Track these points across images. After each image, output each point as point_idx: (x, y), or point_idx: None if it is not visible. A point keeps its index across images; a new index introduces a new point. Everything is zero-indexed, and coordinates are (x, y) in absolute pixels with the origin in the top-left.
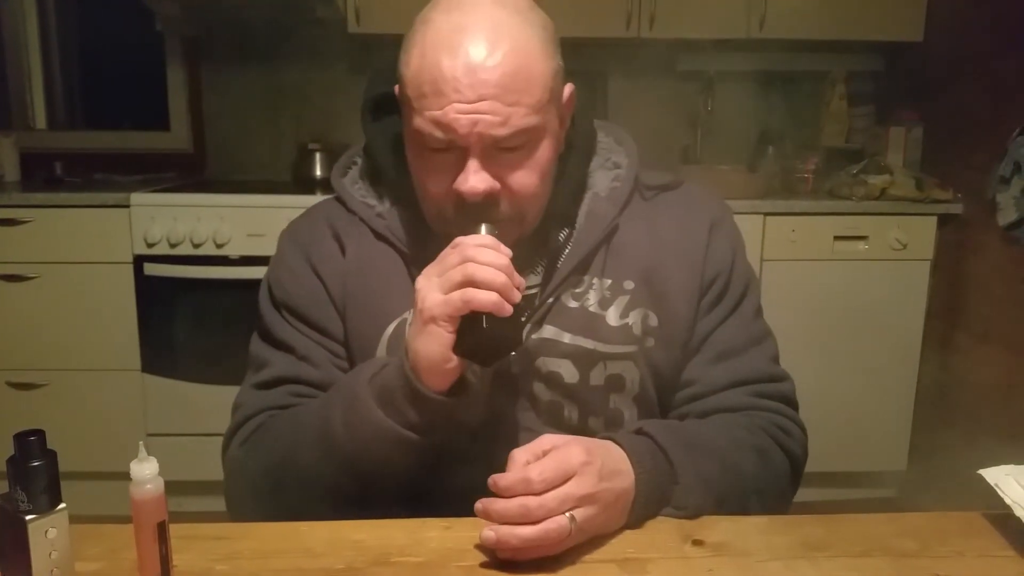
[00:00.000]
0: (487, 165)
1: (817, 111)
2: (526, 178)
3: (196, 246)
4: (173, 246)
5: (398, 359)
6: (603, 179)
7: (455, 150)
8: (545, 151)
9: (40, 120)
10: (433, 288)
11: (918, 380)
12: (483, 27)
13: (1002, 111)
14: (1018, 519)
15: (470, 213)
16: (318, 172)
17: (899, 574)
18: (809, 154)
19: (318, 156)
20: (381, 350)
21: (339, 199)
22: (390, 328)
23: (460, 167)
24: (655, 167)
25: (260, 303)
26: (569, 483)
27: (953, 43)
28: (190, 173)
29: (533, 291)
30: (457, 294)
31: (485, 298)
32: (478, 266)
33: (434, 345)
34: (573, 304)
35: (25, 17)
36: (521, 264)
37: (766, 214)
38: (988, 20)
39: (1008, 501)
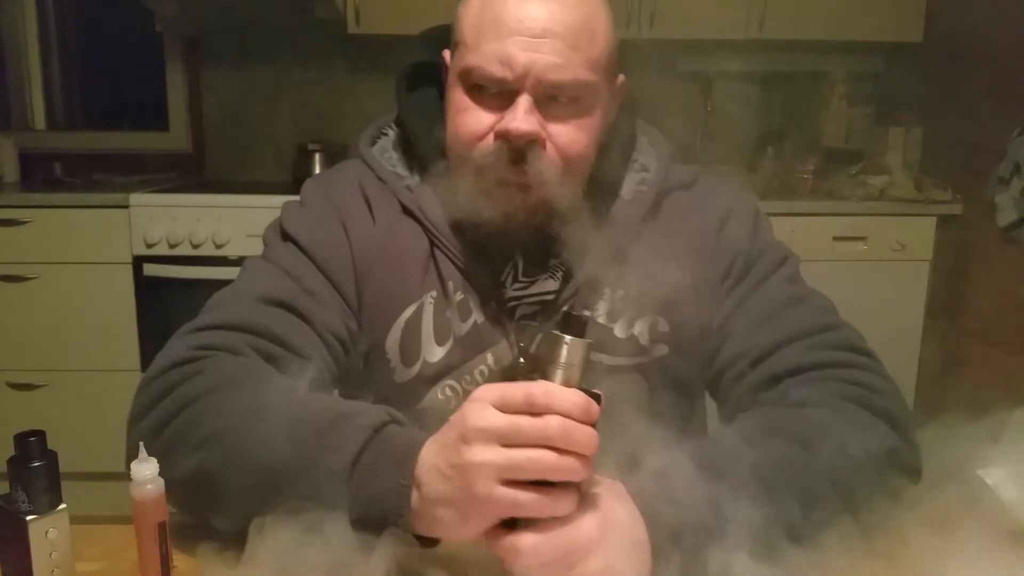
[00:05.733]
0: (537, 111)
1: (817, 112)
2: (575, 134)
3: (195, 246)
4: (172, 246)
5: (402, 468)
6: (629, 182)
7: (506, 93)
8: (596, 119)
9: (39, 120)
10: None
11: (917, 380)
12: None
13: (1001, 112)
14: (1016, 520)
15: (508, 157)
16: (317, 172)
17: (895, 573)
18: (808, 155)
19: (318, 157)
20: (395, 332)
21: (368, 165)
22: (407, 312)
23: (506, 109)
24: (680, 163)
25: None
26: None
27: (953, 44)
28: (189, 173)
29: (551, 297)
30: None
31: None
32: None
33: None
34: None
35: (25, 18)
36: (539, 267)
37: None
38: (987, 21)
39: (1006, 502)
